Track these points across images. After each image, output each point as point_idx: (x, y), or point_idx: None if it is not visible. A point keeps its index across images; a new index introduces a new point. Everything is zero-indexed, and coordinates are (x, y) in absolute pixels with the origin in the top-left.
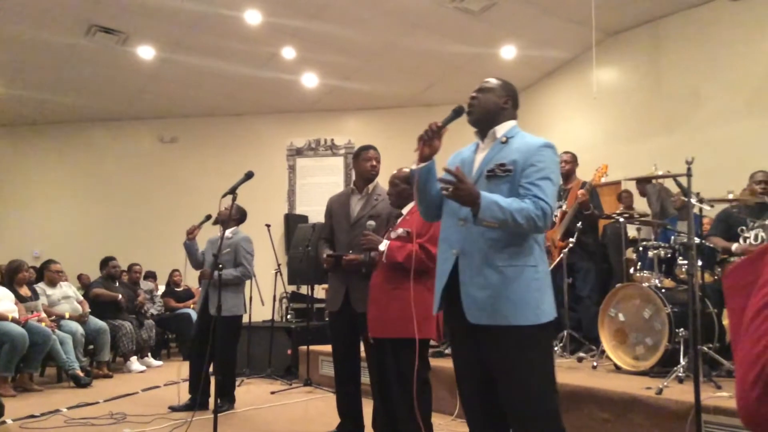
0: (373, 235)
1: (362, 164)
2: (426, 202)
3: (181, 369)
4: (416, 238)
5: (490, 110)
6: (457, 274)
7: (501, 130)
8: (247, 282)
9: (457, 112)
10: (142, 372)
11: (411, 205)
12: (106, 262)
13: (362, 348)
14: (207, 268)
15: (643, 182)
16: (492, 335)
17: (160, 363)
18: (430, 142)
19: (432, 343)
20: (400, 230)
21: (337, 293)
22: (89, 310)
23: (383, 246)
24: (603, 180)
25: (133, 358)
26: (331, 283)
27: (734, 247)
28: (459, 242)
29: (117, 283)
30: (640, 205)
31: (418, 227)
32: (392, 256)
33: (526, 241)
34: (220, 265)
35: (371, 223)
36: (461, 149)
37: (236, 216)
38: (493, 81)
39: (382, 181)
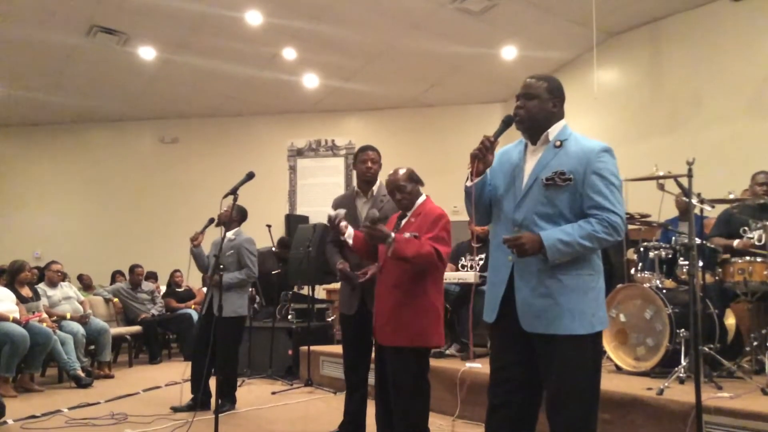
0: (381, 226)
1: (359, 166)
2: (481, 212)
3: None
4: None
5: (539, 118)
6: (512, 281)
7: (553, 132)
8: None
9: (506, 123)
10: None
11: (414, 207)
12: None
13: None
14: (210, 272)
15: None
16: (545, 342)
17: None
18: (484, 158)
19: None
20: (407, 234)
21: (352, 296)
22: (90, 311)
23: (391, 238)
24: None
25: None
26: (345, 285)
27: (735, 242)
28: None
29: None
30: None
31: (424, 230)
32: (401, 251)
33: None
34: (221, 266)
35: (374, 211)
36: (506, 147)
37: (237, 217)
38: (536, 84)
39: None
